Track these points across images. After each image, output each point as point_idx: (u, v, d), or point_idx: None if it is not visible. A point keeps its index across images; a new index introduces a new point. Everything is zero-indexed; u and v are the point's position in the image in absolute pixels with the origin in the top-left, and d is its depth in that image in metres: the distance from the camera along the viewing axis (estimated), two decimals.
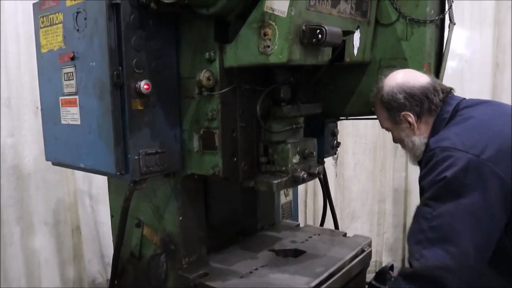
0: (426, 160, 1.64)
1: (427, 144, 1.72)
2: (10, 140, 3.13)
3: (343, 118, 2.44)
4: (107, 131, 1.73)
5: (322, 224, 2.95)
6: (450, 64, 3.38)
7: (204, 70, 1.70)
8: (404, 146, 1.88)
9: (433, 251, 1.52)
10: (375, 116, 2.31)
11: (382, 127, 1.96)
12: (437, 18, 2.03)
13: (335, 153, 2.45)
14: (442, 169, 1.53)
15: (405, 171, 4.12)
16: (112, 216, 2.40)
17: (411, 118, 1.78)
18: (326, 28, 1.55)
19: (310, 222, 4.24)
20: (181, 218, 2.02)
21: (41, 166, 3.30)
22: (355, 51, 2.00)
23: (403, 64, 2.07)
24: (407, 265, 1.67)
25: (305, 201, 4.21)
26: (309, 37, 1.58)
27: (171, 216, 2.05)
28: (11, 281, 3.18)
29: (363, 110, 2.21)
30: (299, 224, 2.69)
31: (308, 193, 4.19)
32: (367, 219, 4.27)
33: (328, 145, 2.33)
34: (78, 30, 1.79)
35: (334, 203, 2.91)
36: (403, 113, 1.79)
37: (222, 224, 2.39)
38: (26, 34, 3.02)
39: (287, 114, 1.91)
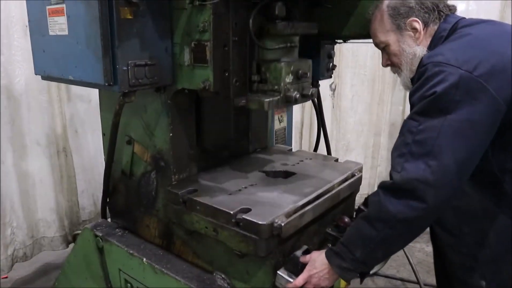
0: (418, 76, 1.60)
1: (420, 61, 1.67)
2: None
3: (340, 41, 2.37)
4: (95, 41, 1.67)
5: (315, 151, 2.97)
6: None
7: None
8: (399, 62, 1.80)
9: (414, 164, 1.52)
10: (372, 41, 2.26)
11: (377, 42, 1.88)
12: None
13: (331, 76, 2.40)
14: (432, 84, 1.50)
15: (403, 104, 4.09)
16: (103, 135, 2.39)
17: (419, 24, 1.72)
18: None
19: (304, 145, 4.28)
20: (171, 134, 2.01)
21: (33, 87, 3.27)
22: None
23: None
24: None
25: (301, 132, 4.22)
26: None
27: (161, 132, 2.04)
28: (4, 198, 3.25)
29: (361, 33, 2.13)
30: (291, 149, 2.70)
31: (304, 124, 4.18)
32: (361, 151, 4.30)
33: (324, 67, 2.28)
34: None
35: (329, 135, 2.90)
36: (410, 18, 1.72)
37: (214, 146, 2.39)
38: None
39: (282, 32, 1.84)
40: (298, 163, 2.40)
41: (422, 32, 1.72)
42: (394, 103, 4.12)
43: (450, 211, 1.82)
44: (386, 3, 1.78)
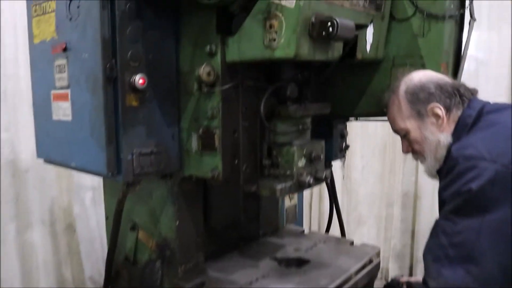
0: (447, 170, 1.48)
1: (448, 152, 1.55)
2: (6, 135, 3.02)
3: (353, 119, 2.30)
4: (99, 128, 1.60)
5: (327, 230, 2.82)
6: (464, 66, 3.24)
7: (204, 65, 1.57)
8: (422, 150, 1.69)
9: (453, 270, 1.38)
10: (386, 118, 2.19)
11: (396, 129, 1.78)
12: (456, 13, 1.89)
13: (344, 156, 2.31)
14: (466, 180, 1.38)
15: (415, 175, 3.97)
16: (106, 218, 2.28)
17: (441, 110, 1.62)
18: (338, 20, 1.42)
19: (315, 226, 4.13)
20: (178, 222, 1.89)
21: (39, 161, 3.20)
22: (368, 48, 1.86)
23: (419, 62, 1.93)
24: (416, 275, 1.51)
25: (310, 204, 4.09)
26: (319, 30, 1.44)
27: (167, 220, 1.93)
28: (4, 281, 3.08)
29: (374, 111, 2.07)
30: (304, 231, 2.56)
31: (314, 195, 4.06)
32: (374, 223, 4.14)
33: (337, 147, 2.19)
34: (70, 19, 1.67)
35: (340, 207, 2.77)
36: (431, 104, 1.63)
37: (222, 228, 2.27)
38: (24, 25, 2.88)
39: (294, 114, 1.77)
40: (311, 248, 2.25)
41: (445, 119, 1.62)
42: (406, 173, 4.00)
43: None
44: (403, 88, 1.70)
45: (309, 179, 1.80)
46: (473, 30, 2.01)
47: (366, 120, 2.48)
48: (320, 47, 1.53)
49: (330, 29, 1.41)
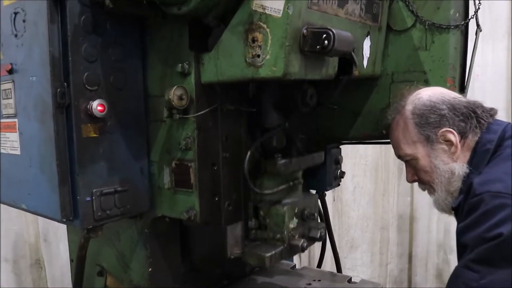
0: (469, 208, 1.24)
1: (469, 186, 1.30)
2: None
3: (346, 142, 2.06)
4: (50, 165, 1.34)
5: (320, 264, 2.56)
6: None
7: (175, 87, 1.32)
8: (431, 180, 1.46)
9: None
10: (385, 140, 1.95)
11: (400, 155, 1.55)
12: (463, 22, 1.67)
13: (339, 184, 2.07)
14: (495, 222, 1.14)
15: (411, 195, 3.75)
16: (71, 261, 2.00)
17: (454, 136, 1.39)
18: (334, 31, 1.18)
19: (305, 254, 3.85)
20: (150, 269, 1.62)
21: None
22: (365, 63, 1.64)
23: (422, 78, 1.72)
24: None
25: None
26: (312, 43, 1.21)
27: (138, 265, 1.66)
28: None
29: (371, 134, 1.85)
30: (295, 265, 2.30)
31: None
32: (367, 248, 3.89)
33: (331, 175, 1.95)
34: (16, 35, 1.41)
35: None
36: (443, 129, 1.40)
37: (203, 265, 2.00)
38: None
39: (283, 171, 1.54)
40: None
41: (458, 146, 1.39)
42: (401, 194, 3.79)
43: None
44: (410, 108, 1.47)
45: (302, 242, 1.56)
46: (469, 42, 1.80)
47: (362, 143, 2.26)
48: (312, 64, 1.29)
49: (325, 42, 1.18)
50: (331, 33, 1.18)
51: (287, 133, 1.59)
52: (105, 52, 1.37)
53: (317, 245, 3.84)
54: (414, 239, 3.76)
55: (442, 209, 1.50)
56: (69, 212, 1.34)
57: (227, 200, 1.50)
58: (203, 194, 1.40)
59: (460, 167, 1.38)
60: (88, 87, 1.33)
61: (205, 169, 1.41)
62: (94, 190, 1.36)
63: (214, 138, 1.44)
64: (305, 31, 1.21)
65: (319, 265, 2.61)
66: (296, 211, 1.57)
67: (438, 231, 3.65)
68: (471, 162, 1.37)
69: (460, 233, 1.25)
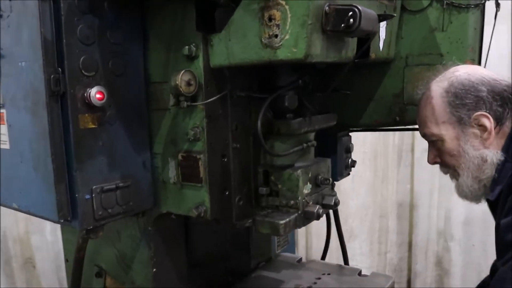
0: None
1: (501, 173, 1.21)
2: None
3: (357, 129, 1.96)
4: (44, 161, 1.21)
5: (324, 256, 2.48)
6: None
7: (183, 71, 1.19)
8: (457, 164, 1.36)
9: None
10: (398, 127, 1.85)
11: (425, 133, 1.43)
12: (483, 1, 1.57)
13: (349, 174, 1.97)
14: None
15: (411, 182, 3.67)
16: (66, 260, 1.88)
17: (490, 121, 1.29)
18: (360, 8, 1.07)
19: (302, 245, 3.78)
20: (154, 270, 1.51)
21: None
22: (381, 45, 1.53)
23: (438, 61, 1.62)
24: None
25: None
26: (335, 21, 1.09)
27: (141, 266, 1.55)
28: None
29: (384, 120, 1.75)
30: (301, 259, 2.21)
31: None
32: (367, 237, 3.82)
33: (342, 164, 1.85)
34: (1, 16, 1.26)
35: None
36: (479, 113, 1.29)
37: (207, 261, 1.91)
38: None
39: (297, 130, 1.41)
40: (315, 282, 1.91)
41: (492, 132, 1.29)
42: (401, 181, 3.70)
43: None
44: (443, 86, 1.35)
45: (317, 209, 1.45)
46: None
47: (374, 130, 2.15)
48: (334, 45, 1.17)
49: (351, 20, 1.06)
50: (357, 10, 1.06)
51: (298, 93, 1.48)
52: (103, 35, 1.24)
53: (315, 235, 3.78)
54: (414, 227, 3.70)
55: (465, 195, 1.40)
56: (66, 212, 1.22)
57: (238, 194, 1.39)
58: (213, 188, 1.29)
59: (493, 154, 1.28)
60: (85, 73, 1.20)
61: (215, 161, 1.29)
62: (94, 187, 1.24)
63: (223, 128, 1.32)
64: (327, 8, 1.10)
65: (323, 257, 2.53)
66: (309, 175, 1.46)
67: (439, 218, 3.58)
68: (507, 150, 1.27)
69: (503, 229, 1.15)
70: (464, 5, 1.56)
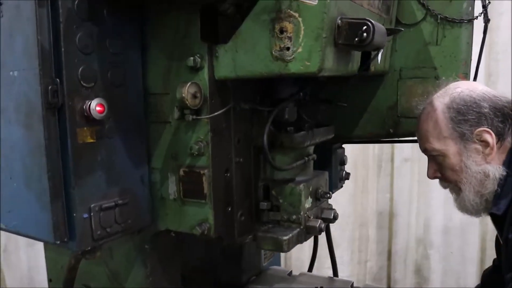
0: None
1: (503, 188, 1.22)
2: None
3: (351, 141, 1.96)
4: (38, 178, 1.13)
5: (311, 267, 2.46)
6: None
7: (189, 84, 1.15)
8: (458, 180, 1.37)
9: None
10: (391, 139, 1.86)
11: (426, 148, 1.43)
12: (476, 16, 1.60)
13: (342, 186, 1.96)
14: None
15: (390, 191, 3.72)
16: (49, 280, 1.77)
17: (492, 137, 1.30)
18: (374, 23, 1.05)
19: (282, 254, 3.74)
20: None
21: None
22: (379, 58, 1.53)
23: (432, 74, 1.65)
24: None
25: None
26: (348, 35, 1.07)
27: (135, 286, 1.47)
28: None
29: (378, 132, 1.75)
30: (291, 272, 2.18)
31: None
32: (347, 246, 3.83)
33: (336, 177, 1.84)
34: None
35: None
36: (481, 129, 1.30)
37: (196, 275, 1.85)
38: None
39: (300, 144, 1.39)
40: None
41: (494, 147, 1.31)
42: (380, 191, 3.74)
43: None
44: (445, 102, 1.36)
45: (319, 224, 1.43)
46: None
47: (367, 142, 2.16)
48: (343, 58, 1.16)
49: (364, 34, 1.05)
50: (370, 24, 1.05)
51: (298, 105, 1.46)
52: (102, 43, 1.18)
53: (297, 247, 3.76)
54: (393, 235, 3.74)
55: (466, 210, 1.41)
56: (63, 232, 1.14)
57: (240, 209, 1.35)
58: (217, 204, 1.24)
59: (495, 169, 1.29)
60: (84, 84, 1.14)
61: (219, 177, 1.25)
62: (93, 205, 1.17)
63: (227, 141, 1.28)
64: (339, 21, 1.08)
65: (310, 268, 2.51)
66: (310, 189, 1.45)
67: (418, 227, 3.64)
68: (509, 165, 1.29)
69: None
70: (457, 19, 1.59)
